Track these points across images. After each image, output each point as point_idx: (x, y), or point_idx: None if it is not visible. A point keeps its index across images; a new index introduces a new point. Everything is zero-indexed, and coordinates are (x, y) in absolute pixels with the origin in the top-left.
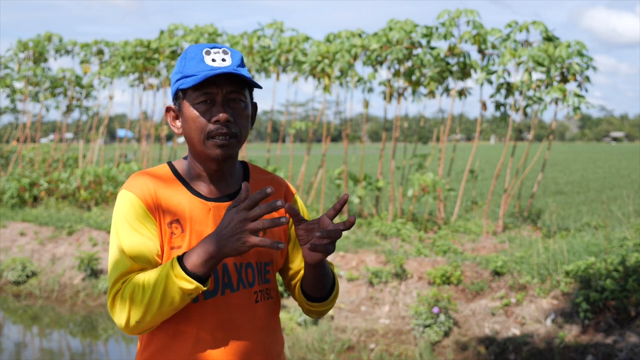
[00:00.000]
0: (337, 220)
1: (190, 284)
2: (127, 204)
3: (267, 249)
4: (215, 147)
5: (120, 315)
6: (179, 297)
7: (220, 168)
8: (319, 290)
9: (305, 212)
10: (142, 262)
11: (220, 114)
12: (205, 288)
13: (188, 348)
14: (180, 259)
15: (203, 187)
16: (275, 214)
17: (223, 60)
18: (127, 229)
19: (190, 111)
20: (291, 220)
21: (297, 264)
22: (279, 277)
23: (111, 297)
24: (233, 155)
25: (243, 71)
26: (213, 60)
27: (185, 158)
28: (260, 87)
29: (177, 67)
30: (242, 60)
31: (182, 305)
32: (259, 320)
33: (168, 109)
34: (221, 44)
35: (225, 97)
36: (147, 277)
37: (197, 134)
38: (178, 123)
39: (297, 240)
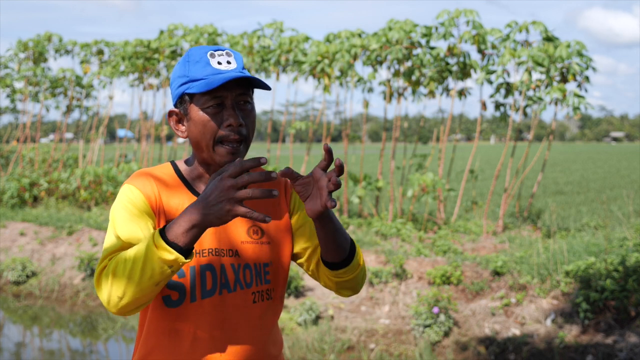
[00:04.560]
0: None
1: (170, 254)
2: (129, 195)
3: (262, 246)
4: (227, 154)
5: (104, 292)
6: (159, 268)
7: None
8: (337, 251)
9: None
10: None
11: (232, 120)
12: (187, 261)
13: (185, 347)
14: (162, 230)
15: (204, 189)
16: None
17: (228, 62)
18: (125, 217)
19: (200, 115)
20: (295, 207)
21: (303, 242)
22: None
23: (97, 274)
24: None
25: (247, 73)
26: (219, 63)
27: (188, 159)
28: (269, 89)
29: (180, 70)
30: (243, 61)
31: (162, 279)
32: (256, 320)
33: (171, 113)
34: (221, 43)
35: (234, 100)
36: (130, 250)
37: (206, 138)
38: (182, 127)
39: (298, 195)
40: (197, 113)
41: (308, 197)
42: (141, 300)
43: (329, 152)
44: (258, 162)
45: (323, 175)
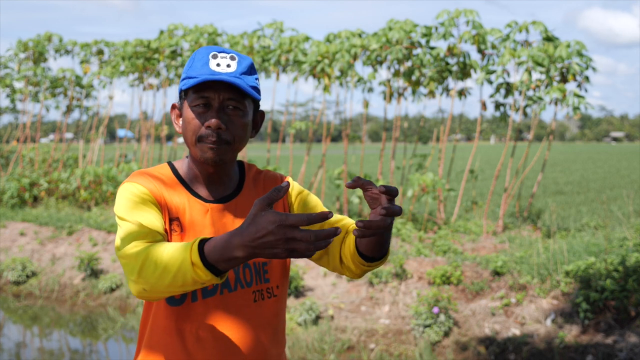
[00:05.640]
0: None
1: (206, 276)
2: (133, 190)
3: None
4: (207, 149)
5: (131, 274)
6: (191, 281)
7: (217, 171)
8: (380, 250)
9: (304, 192)
10: (156, 232)
11: (212, 120)
12: (221, 281)
13: (188, 346)
14: (201, 246)
15: (201, 189)
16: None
17: (228, 66)
18: (135, 208)
19: (188, 112)
20: (293, 198)
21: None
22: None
23: (121, 251)
24: (225, 160)
25: (246, 79)
26: (218, 64)
27: (186, 157)
28: (258, 99)
29: (185, 66)
30: (250, 67)
31: (193, 288)
32: (257, 319)
33: (173, 107)
34: (221, 44)
35: (221, 104)
36: (162, 255)
37: (190, 135)
38: (180, 121)
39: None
40: (186, 110)
41: (374, 208)
42: (165, 296)
43: (392, 193)
44: (326, 217)
45: (385, 205)
